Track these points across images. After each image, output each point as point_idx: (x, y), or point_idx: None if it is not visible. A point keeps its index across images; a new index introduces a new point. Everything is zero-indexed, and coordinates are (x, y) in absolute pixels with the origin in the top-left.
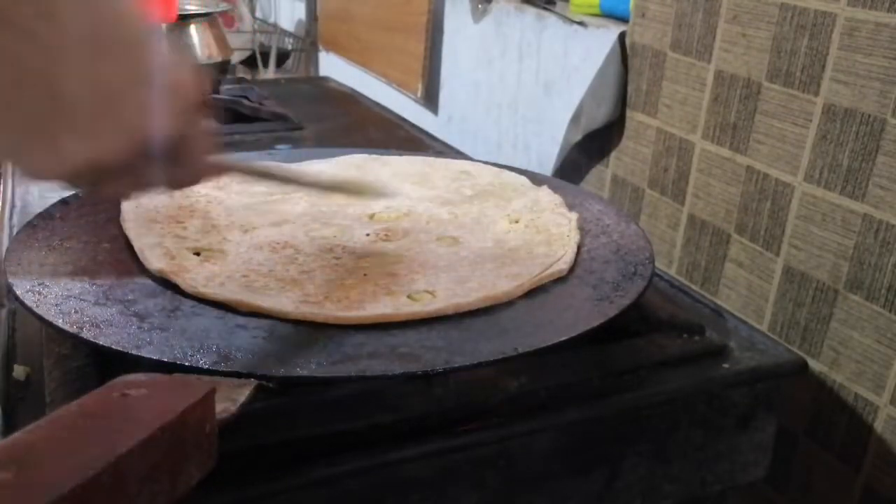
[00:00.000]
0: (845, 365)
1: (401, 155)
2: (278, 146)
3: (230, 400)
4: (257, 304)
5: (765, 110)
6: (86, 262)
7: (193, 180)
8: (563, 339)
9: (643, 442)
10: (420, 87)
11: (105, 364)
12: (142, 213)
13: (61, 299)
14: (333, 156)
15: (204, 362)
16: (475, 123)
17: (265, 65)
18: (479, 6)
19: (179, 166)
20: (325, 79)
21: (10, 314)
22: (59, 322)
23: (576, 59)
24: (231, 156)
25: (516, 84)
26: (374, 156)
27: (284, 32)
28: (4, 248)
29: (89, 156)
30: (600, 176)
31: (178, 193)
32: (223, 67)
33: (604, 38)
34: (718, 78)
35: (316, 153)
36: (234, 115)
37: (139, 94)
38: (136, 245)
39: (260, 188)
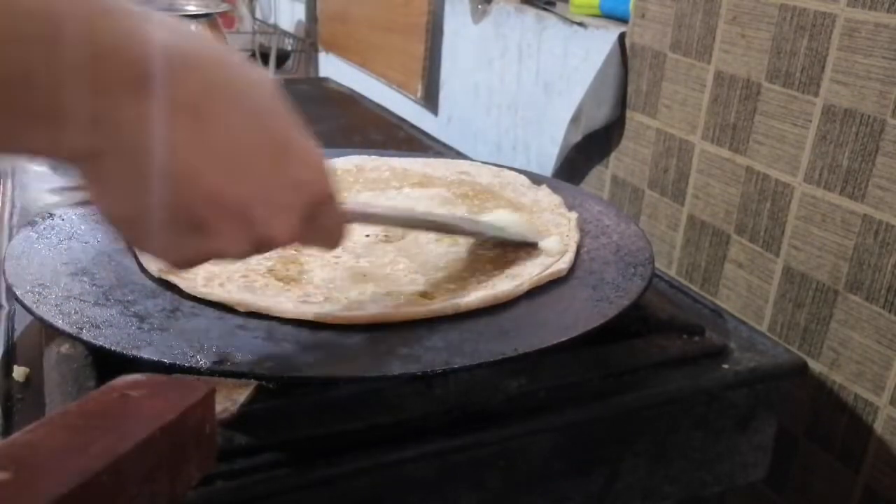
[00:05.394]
0: (845, 365)
1: (401, 156)
2: None
3: (230, 400)
4: (257, 304)
5: (764, 111)
6: (86, 263)
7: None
8: (563, 339)
9: (643, 443)
10: (420, 87)
11: (105, 364)
12: None
13: (61, 299)
14: (333, 156)
15: (204, 362)
16: (475, 124)
17: (265, 65)
18: (479, 7)
19: (316, 240)
20: (325, 80)
21: (10, 314)
22: (59, 322)
23: (576, 59)
24: (360, 206)
25: (516, 85)
26: (374, 156)
27: (284, 33)
28: (4, 248)
29: (211, 252)
30: (600, 176)
31: None
32: None
33: (603, 39)
34: (718, 78)
35: None
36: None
37: (272, 207)
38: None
39: None
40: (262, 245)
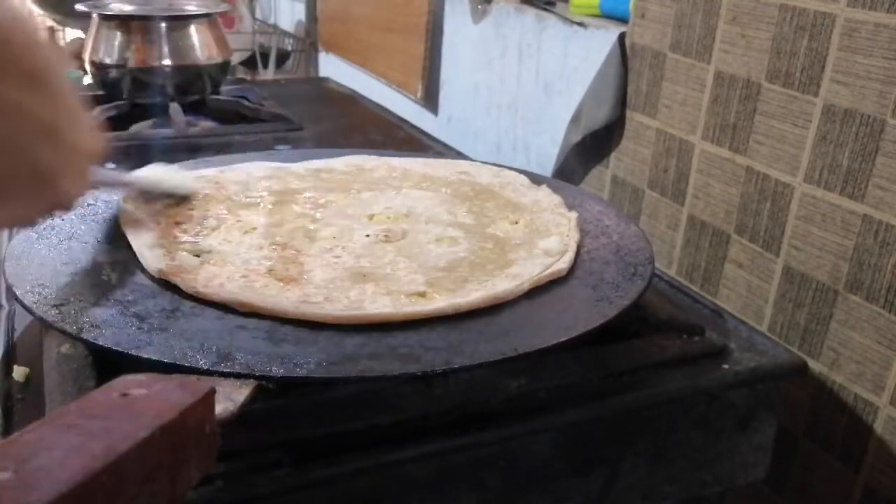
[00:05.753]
0: (845, 365)
1: (401, 156)
2: (278, 147)
3: (230, 400)
4: (257, 304)
5: (764, 111)
6: (86, 263)
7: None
8: (563, 339)
9: (643, 443)
10: (420, 87)
11: (105, 364)
12: (142, 213)
13: (61, 300)
14: (333, 156)
15: (204, 362)
16: (475, 124)
17: (265, 66)
18: (479, 7)
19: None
20: (325, 80)
21: (10, 314)
22: (59, 322)
23: (576, 59)
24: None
25: (516, 85)
26: (374, 156)
27: (284, 33)
28: (4, 248)
29: (7, 220)
30: (600, 176)
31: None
32: (223, 68)
33: (603, 39)
34: (718, 79)
35: (316, 154)
36: (235, 115)
37: (71, 171)
38: (136, 246)
39: (256, 188)
40: (55, 208)
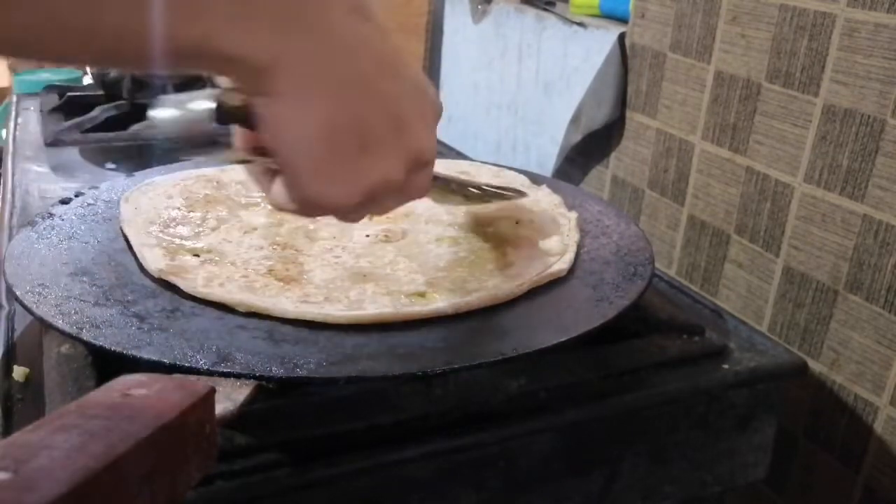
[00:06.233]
0: (845, 366)
1: None
2: None
3: (230, 400)
4: (257, 304)
5: (764, 111)
6: (86, 263)
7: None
8: (563, 339)
9: (643, 443)
10: None
11: (105, 364)
12: (141, 214)
13: (61, 300)
14: None
15: (204, 362)
16: (475, 124)
17: None
18: (479, 7)
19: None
20: None
21: (10, 314)
22: (59, 322)
23: (575, 59)
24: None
25: (516, 85)
26: None
27: None
28: (4, 248)
29: (380, 176)
30: (600, 177)
31: (177, 197)
32: None
33: (603, 39)
34: (718, 79)
35: None
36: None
37: (421, 123)
38: (136, 246)
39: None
40: (415, 165)
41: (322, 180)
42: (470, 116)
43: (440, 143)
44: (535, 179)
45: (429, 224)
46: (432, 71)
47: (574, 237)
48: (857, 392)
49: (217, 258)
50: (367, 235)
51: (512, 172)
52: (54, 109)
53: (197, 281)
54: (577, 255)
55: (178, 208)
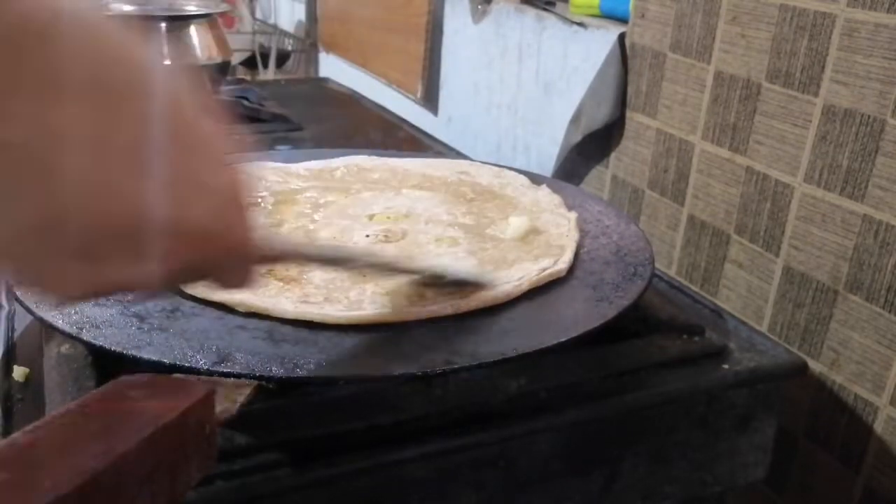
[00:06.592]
0: (845, 366)
1: (401, 156)
2: (278, 147)
3: (230, 400)
4: (257, 304)
5: (764, 111)
6: None
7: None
8: (563, 339)
9: (643, 443)
10: (420, 87)
11: (105, 364)
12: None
13: None
14: (333, 156)
15: (204, 362)
16: (475, 124)
17: (265, 66)
18: (479, 7)
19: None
20: (325, 80)
21: (10, 314)
22: (59, 322)
23: (576, 59)
24: (277, 241)
25: (516, 85)
26: (374, 156)
27: (284, 33)
28: None
29: (119, 280)
30: (600, 177)
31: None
32: (223, 68)
33: (603, 39)
34: (718, 79)
35: (316, 154)
36: (235, 115)
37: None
38: None
39: (256, 188)
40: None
41: (29, 278)
42: (470, 116)
43: (440, 142)
44: (535, 179)
45: (429, 224)
46: (432, 71)
47: (574, 237)
48: (857, 392)
49: None
50: (367, 236)
51: (512, 172)
52: None
53: None
54: (577, 255)
55: None
